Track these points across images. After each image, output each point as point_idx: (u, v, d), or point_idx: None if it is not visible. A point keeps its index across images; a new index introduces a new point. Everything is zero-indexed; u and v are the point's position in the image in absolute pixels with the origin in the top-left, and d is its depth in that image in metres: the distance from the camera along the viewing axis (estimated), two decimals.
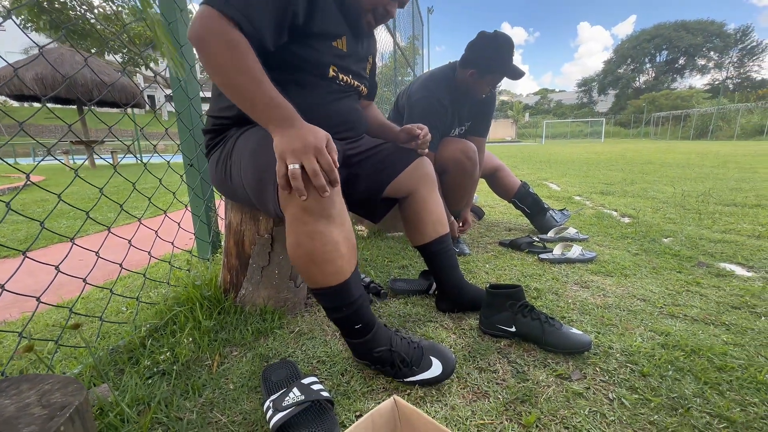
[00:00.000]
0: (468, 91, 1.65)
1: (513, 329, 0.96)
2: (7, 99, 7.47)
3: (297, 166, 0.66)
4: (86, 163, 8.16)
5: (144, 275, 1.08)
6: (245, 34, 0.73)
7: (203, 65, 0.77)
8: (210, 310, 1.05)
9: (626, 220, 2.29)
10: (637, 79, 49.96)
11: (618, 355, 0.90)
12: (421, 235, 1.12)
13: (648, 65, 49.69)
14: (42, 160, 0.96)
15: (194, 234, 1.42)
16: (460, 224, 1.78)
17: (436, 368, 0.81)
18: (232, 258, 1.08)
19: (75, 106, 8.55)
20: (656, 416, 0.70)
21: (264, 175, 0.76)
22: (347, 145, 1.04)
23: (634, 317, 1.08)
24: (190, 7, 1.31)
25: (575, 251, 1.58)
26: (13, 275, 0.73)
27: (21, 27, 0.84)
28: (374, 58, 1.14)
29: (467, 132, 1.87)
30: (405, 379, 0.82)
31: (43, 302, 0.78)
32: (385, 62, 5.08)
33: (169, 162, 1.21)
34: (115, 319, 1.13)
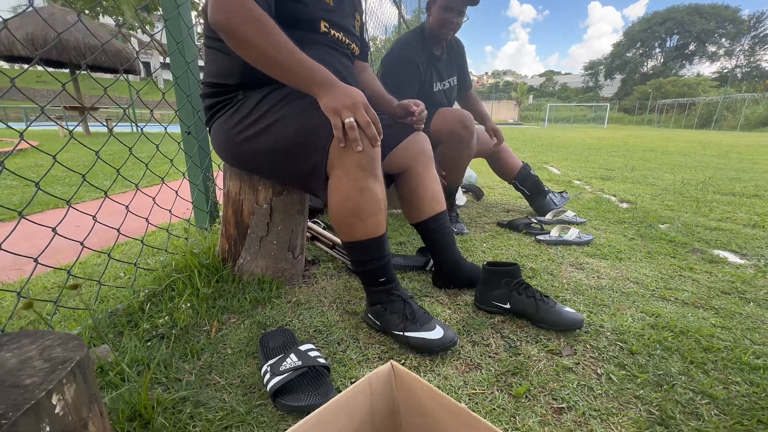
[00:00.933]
0: (438, 35, 1.65)
1: (507, 306, 0.97)
2: None
3: (352, 119, 0.74)
4: (80, 129, 8.01)
5: (142, 242, 1.08)
6: (258, 2, 0.75)
7: (234, 47, 0.78)
8: (208, 278, 1.05)
9: (624, 205, 2.29)
10: (646, 63, 48.92)
11: (608, 333, 0.92)
12: (417, 212, 1.11)
13: (657, 50, 48.55)
14: (35, 119, 0.92)
15: (192, 203, 1.41)
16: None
17: (437, 332, 0.84)
18: (231, 227, 1.07)
19: (68, 70, 8.29)
20: (642, 391, 0.73)
21: (310, 137, 0.81)
22: None
23: (627, 299, 1.10)
24: None
25: (572, 233, 1.59)
26: (9, 235, 0.72)
27: None
28: (362, 17, 1.13)
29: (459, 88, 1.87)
30: (406, 333, 0.84)
31: (41, 263, 0.78)
32: (388, 36, 4.93)
33: (165, 128, 1.18)
34: (113, 283, 1.14)
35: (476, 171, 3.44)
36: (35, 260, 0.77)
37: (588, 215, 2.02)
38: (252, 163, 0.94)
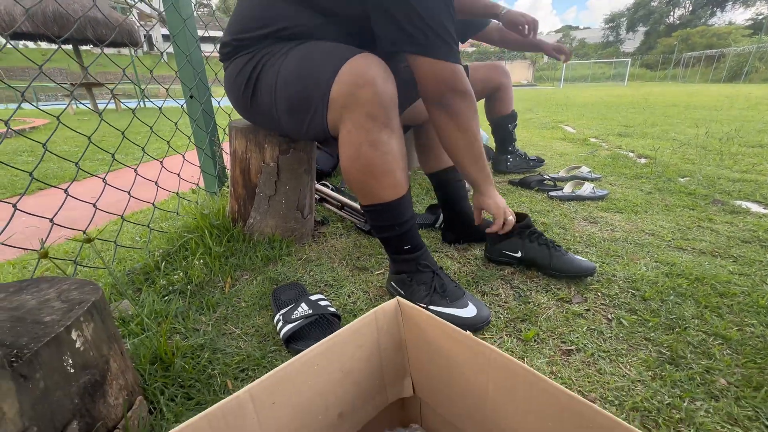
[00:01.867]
0: None
1: (519, 255, 0.96)
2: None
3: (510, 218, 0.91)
4: (89, 106, 8.02)
5: (153, 205, 1.09)
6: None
7: (468, 115, 0.83)
8: (219, 238, 1.07)
9: (642, 160, 2.20)
10: (672, 13, 45.41)
11: (621, 282, 0.91)
12: (436, 161, 1.10)
13: None
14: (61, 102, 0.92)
15: (200, 167, 1.41)
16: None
17: (470, 309, 0.77)
18: (239, 187, 1.08)
19: (70, 46, 8.19)
20: (653, 334, 0.72)
21: (312, 91, 0.73)
22: None
23: (641, 249, 1.08)
24: None
25: (586, 189, 1.54)
26: (17, 201, 0.74)
27: None
28: None
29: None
30: (432, 307, 0.78)
31: (57, 224, 0.80)
32: None
33: (167, 89, 1.17)
34: (130, 245, 1.17)
35: (487, 132, 3.32)
36: (51, 221, 0.79)
37: (603, 171, 1.96)
38: (258, 113, 0.88)
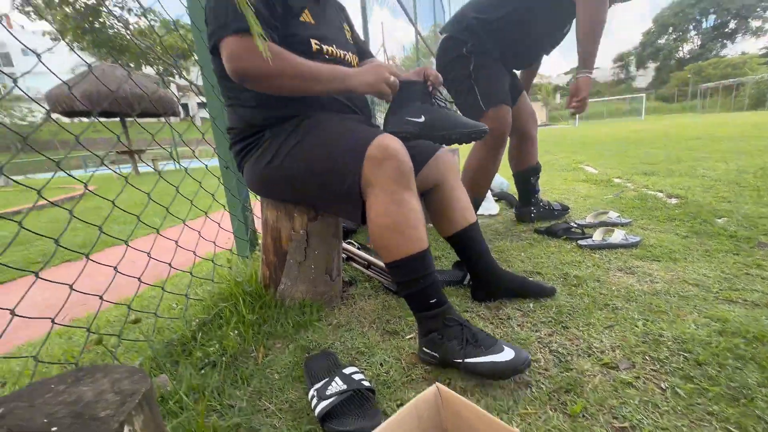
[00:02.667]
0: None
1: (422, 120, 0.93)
2: (60, 116, 8.11)
3: (391, 78, 0.88)
4: (131, 171, 8.74)
5: (191, 274, 1.15)
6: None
7: (265, 87, 0.86)
8: (252, 305, 1.10)
9: (673, 201, 2.14)
10: (681, 48, 46.18)
11: (670, 343, 0.85)
12: (450, 224, 1.11)
13: (693, 32, 45.72)
14: (96, 170, 1.04)
15: (233, 233, 1.48)
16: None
17: (507, 353, 0.76)
18: (270, 254, 1.12)
19: (118, 119, 9.14)
20: (715, 407, 0.66)
21: (343, 159, 0.85)
22: None
23: (687, 303, 1.02)
24: None
25: (617, 236, 1.50)
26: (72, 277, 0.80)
27: (69, 47, 0.91)
28: (352, 27, 1.18)
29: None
30: (468, 359, 0.77)
31: (105, 300, 0.85)
32: (407, 54, 5.04)
33: (207, 165, 1.27)
34: (167, 314, 1.22)
35: (507, 177, 3.35)
36: (101, 297, 0.84)
37: (633, 215, 1.91)
38: (288, 192, 0.99)
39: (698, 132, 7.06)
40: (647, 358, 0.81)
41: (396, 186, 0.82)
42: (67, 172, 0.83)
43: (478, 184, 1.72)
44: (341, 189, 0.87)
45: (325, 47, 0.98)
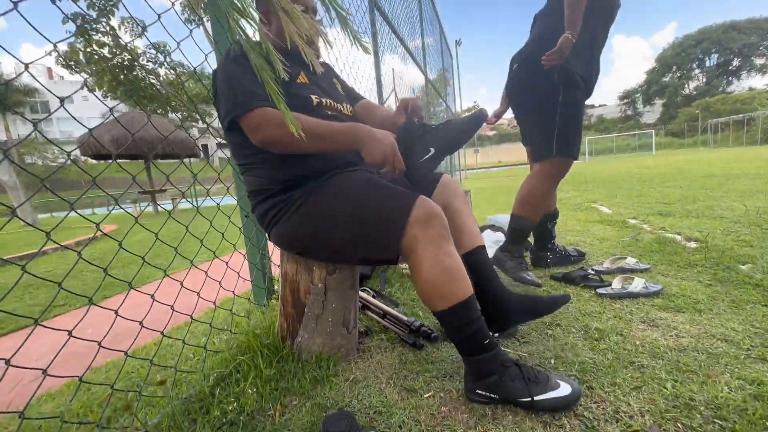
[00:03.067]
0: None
1: None
2: (88, 158, 8.60)
3: (392, 158, 0.92)
4: (150, 209, 9.04)
5: (210, 325, 1.17)
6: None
7: (283, 150, 0.95)
8: (270, 358, 1.10)
9: (692, 244, 2.10)
10: (686, 86, 46.99)
11: (702, 408, 0.81)
12: (459, 246, 1.12)
13: (697, 71, 46.71)
14: (112, 209, 1.06)
15: (251, 282, 1.51)
16: None
17: (565, 387, 0.83)
18: (289, 306, 1.14)
19: (142, 161, 9.62)
20: None
21: (391, 214, 0.91)
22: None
23: (717, 362, 0.98)
24: None
25: (637, 284, 1.47)
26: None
27: (100, 100, 1.01)
28: (341, 80, 1.30)
29: None
30: (538, 397, 0.83)
31: (129, 356, 0.87)
32: (418, 94, 5.31)
33: (219, 204, 1.33)
34: (185, 365, 1.22)
35: None
36: (126, 354, 0.87)
37: (652, 259, 1.87)
38: (327, 251, 1.02)
39: (712, 168, 7.00)
40: (679, 425, 0.77)
41: (441, 240, 0.89)
42: (78, 211, 0.85)
43: (536, 208, 1.72)
44: (383, 238, 0.91)
45: (324, 100, 1.08)
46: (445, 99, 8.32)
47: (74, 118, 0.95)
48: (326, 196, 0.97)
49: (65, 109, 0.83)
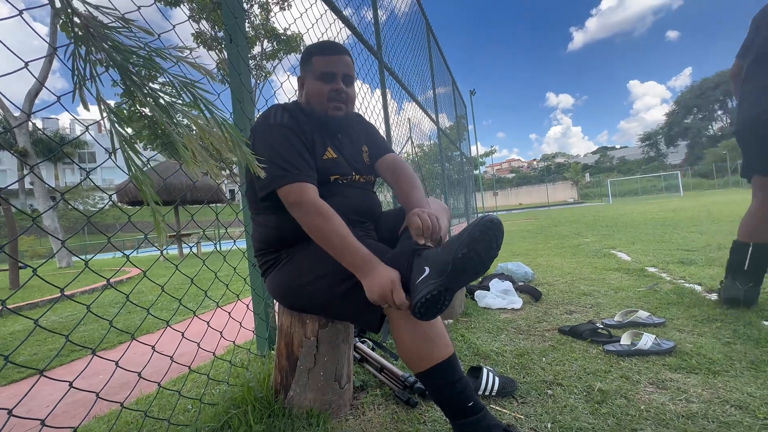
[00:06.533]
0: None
1: None
2: (125, 205, 9.22)
3: (390, 297, 0.87)
4: (175, 252, 9.40)
5: (208, 376, 1.19)
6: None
7: (302, 223, 0.97)
8: (261, 413, 1.10)
9: (714, 296, 1.99)
10: (710, 127, 46.37)
11: None
12: None
13: (719, 112, 46.31)
14: (133, 251, 1.16)
15: (254, 332, 1.55)
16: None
17: None
18: (283, 359, 1.16)
19: (173, 206, 10.18)
20: None
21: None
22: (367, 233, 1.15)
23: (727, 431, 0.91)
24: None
25: (647, 341, 1.40)
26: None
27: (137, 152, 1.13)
28: (371, 142, 1.26)
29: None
30: None
31: (125, 407, 0.90)
32: (434, 140, 5.55)
33: (224, 255, 1.40)
34: (182, 416, 1.23)
35: (533, 265, 3.27)
36: (122, 405, 0.90)
37: (668, 312, 1.79)
38: (306, 304, 1.06)
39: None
40: None
41: None
42: (85, 256, 0.95)
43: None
44: (363, 303, 0.90)
45: (341, 179, 1.11)
46: (460, 145, 8.58)
47: (119, 167, 1.07)
48: (314, 254, 1.02)
49: (113, 160, 0.94)
